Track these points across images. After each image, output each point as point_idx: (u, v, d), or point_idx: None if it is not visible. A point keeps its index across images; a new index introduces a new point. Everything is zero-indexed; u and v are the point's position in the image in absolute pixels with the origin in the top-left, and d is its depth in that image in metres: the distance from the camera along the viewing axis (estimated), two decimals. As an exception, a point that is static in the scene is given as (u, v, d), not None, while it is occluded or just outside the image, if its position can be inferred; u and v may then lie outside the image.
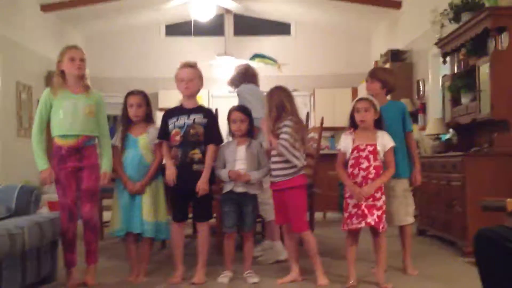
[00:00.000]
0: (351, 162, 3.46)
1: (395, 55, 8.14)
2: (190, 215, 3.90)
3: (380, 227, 3.38)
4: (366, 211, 3.36)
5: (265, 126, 3.65)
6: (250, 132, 3.77)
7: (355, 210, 3.41)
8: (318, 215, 6.31)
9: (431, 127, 6.09)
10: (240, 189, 3.66)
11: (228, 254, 3.74)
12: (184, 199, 3.71)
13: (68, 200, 3.52)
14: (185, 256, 3.80)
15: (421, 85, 7.55)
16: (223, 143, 3.76)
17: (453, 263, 4.16)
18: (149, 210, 3.65)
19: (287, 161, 3.54)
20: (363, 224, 3.37)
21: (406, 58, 8.14)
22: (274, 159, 3.60)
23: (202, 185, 3.58)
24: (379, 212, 3.38)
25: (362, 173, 3.41)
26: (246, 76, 4.75)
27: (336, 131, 9.66)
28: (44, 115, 3.53)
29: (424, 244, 5.00)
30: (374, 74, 3.90)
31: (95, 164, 3.61)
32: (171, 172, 3.61)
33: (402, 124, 3.82)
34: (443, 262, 4.24)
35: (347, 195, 3.48)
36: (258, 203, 3.79)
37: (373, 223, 3.35)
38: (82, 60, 3.56)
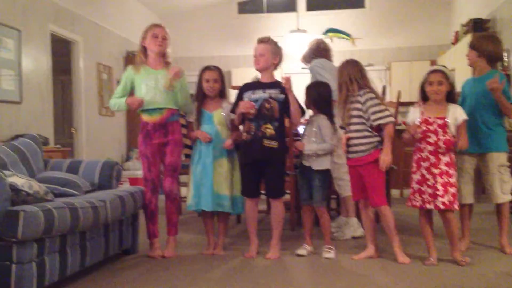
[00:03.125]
0: (418, 136, 3.35)
1: (478, 25, 7.70)
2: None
3: (449, 207, 3.26)
4: (440, 191, 3.24)
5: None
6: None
7: (418, 186, 3.33)
8: (395, 192, 6.17)
9: (517, 99, 5.74)
10: (306, 163, 3.65)
11: (306, 227, 3.74)
12: (255, 175, 3.70)
13: (152, 174, 3.71)
14: (260, 231, 3.84)
15: (506, 55, 7.13)
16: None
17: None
18: (228, 185, 3.70)
19: (364, 137, 3.47)
20: (429, 206, 3.28)
21: (489, 27, 7.68)
22: (351, 134, 3.52)
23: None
24: (453, 190, 3.27)
25: (429, 147, 3.30)
26: (317, 51, 4.68)
27: (408, 106, 9.35)
28: (123, 89, 3.75)
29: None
30: (471, 43, 3.79)
31: (178, 139, 3.74)
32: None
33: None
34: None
35: (413, 170, 3.39)
36: (327, 179, 3.73)
37: (442, 207, 3.24)
38: (164, 38, 3.71)
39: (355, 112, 3.50)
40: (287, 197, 4.26)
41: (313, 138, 3.64)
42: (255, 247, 3.71)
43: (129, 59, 8.54)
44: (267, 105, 3.61)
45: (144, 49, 3.74)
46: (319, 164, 3.64)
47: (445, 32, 9.80)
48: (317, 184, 3.64)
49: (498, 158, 3.61)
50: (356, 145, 3.50)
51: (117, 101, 3.74)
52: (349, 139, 3.53)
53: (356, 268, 3.32)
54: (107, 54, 8.03)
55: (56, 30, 6.50)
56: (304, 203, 3.73)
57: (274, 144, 3.60)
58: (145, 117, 3.71)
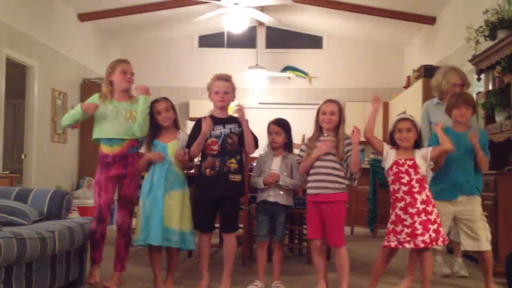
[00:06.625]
0: (391, 178, 3.43)
1: (429, 71, 8.01)
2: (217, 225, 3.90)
3: (430, 245, 3.31)
4: (419, 229, 3.29)
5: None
6: (288, 145, 3.83)
7: (393, 226, 3.36)
8: (346, 229, 6.24)
9: (464, 144, 5.97)
10: (272, 198, 3.71)
11: (260, 263, 3.75)
12: (212, 210, 3.70)
13: (101, 200, 3.63)
14: (211, 265, 3.81)
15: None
16: (261, 153, 3.89)
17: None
18: (177, 219, 3.59)
19: (339, 175, 3.53)
20: (408, 246, 3.32)
21: (439, 74, 8.01)
22: (325, 170, 3.53)
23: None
24: (435, 226, 3.33)
25: (403, 188, 3.37)
26: None
27: (366, 144, 9.53)
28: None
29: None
30: (472, 103, 3.82)
31: (136, 171, 3.72)
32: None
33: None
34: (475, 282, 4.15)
35: (396, 208, 3.38)
36: (289, 215, 3.83)
37: (422, 245, 3.28)
38: (132, 74, 3.77)
39: (334, 150, 3.57)
40: (239, 231, 4.27)
41: (285, 173, 3.73)
42: (205, 282, 3.67)
43: (86, 86, 8.45)
44: (229, 140, 3.66)
45: (110, 82, 3.74)
46: (286, 200, 3.74)
47: (397, 76, 10.16)
48: (282, 220, 3.73)
49: (479, 207, 3.72)
50: (331, 181, 3.52)
51: (71, 111, 3.74)
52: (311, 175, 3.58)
53: (305, 306, 3.34)
54: (63, 80, 7.92)
55: (12, 54, 6.39)
56: (262, 239, 3.75)
57: (238, 178, 3.66)
58: (105, 149, 3.65)
